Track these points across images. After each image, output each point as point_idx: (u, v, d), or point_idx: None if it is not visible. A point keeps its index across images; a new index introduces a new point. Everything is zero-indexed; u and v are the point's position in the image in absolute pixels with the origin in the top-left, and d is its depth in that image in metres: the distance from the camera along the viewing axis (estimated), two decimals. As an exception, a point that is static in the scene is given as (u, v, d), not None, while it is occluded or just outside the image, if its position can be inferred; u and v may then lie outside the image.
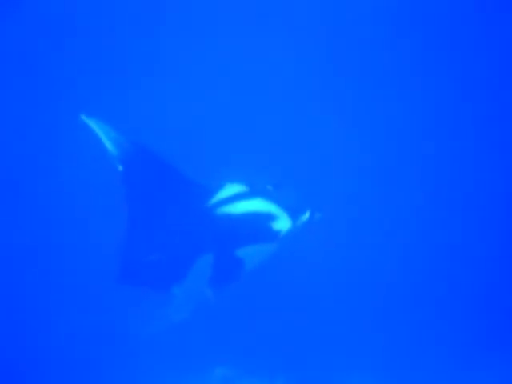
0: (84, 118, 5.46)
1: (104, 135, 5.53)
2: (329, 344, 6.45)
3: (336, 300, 6.57)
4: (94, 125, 5.47)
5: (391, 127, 7.39)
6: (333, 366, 6.38)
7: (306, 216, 5.89)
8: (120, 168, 5.63)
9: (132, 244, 5.61)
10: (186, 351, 6.28)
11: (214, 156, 6.88)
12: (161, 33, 7.38)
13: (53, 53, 7.28)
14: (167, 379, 6.24)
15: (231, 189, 5.97)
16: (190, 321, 5.84)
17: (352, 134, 7.35)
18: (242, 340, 6.43)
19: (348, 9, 7.57)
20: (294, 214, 5.85)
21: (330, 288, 6.58)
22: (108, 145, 5.56)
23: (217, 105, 7.20)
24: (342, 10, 7.57)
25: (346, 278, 6.66)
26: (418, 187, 7.18)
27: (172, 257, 5.62)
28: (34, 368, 6.24)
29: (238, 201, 5.86)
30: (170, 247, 5.67)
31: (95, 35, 7.32)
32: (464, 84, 7.47)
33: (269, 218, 5.76)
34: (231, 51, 7.38)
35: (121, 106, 6.89)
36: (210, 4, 7.41)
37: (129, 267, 5.54)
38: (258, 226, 5.73)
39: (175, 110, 7.06)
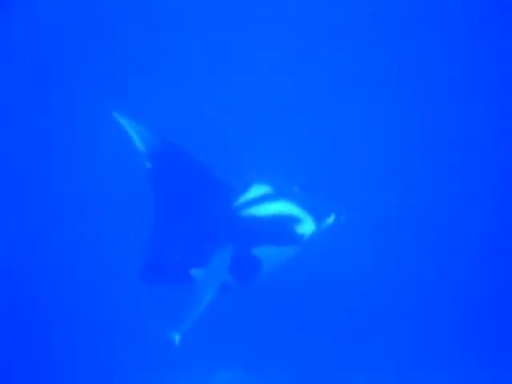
0: (116, 115, 5.59)
1: (134, 132, 5.65)
2: (338, 349, 6.45)
3: (353, 306, 6.56)
4: (125, 122, 5.59)
5: (417, 131, 7.33)
6: (341, 371, 6.39)
7: (331, 219, 5.89)
8: (148, 165, 5.73)
9: (157, 242, 5.69)
10: (190, 353, 6.28)
11: (242, 155, 6.90)
12: (185, 32, 7.44)
13: (79, 53, 7.39)
14: (171, 381, 6.30)
15: (258, 190, 6.01)
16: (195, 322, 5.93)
17: (379, 136, 7.30)
18: (247, 343, 6.44)
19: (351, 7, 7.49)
20: (318, 217, 5.85)
21: (346, 293, 6.57)
22: (138, 142, 5.67)
23: (246, 105, 7.24)
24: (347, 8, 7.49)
25: (365, 285, 6.63)
26: (443, 191, 7.11)
27: (195, 254, 5.67)
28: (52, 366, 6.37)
29: (264, 202, 5.89)
30: (194, 245, 5.73)
31: (121, 36, 7.41)
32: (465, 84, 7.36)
33: (293, 220, 5.78)
34: (257, 52, 7.39)
35: (150, 104, 6.97)
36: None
37: (153, 265, 5.63)
38: (281, 228, 5.75)
39: (204, 110, 7.11)
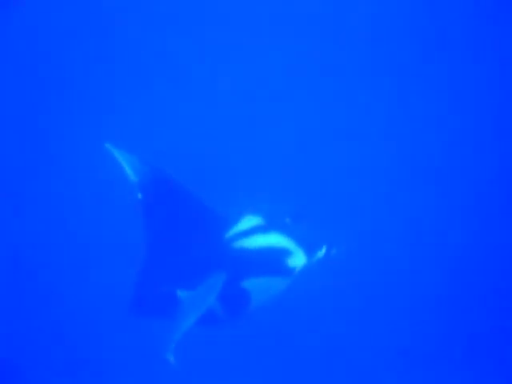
0: (108, 146, 5.58)
1: (126, 162, 5.64)
2: None
3: (345, 342, 6.51)
4: (117, 153, 5.58)
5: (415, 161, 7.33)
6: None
7: (322, 252, 5.89)
8: (139, 196, 5.71)
9: (148, 271, 5.66)
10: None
11: (233, 185, 6.89)
12: (178, 51, 7.47)
13: (72, 73, 7.42)
14: None
15: (249, 221, 5.99)
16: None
17: (374, 165, 7.30)
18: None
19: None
20: (309, 250, 5.84)
21: (338, 329, 6.53)
22: (129, 172, 5.66)
23: (237, 135, 7.23)
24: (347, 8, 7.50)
25: (357, 320, 6.58)
26: (441, 223, 7.08)
27: (185, 278, 5.63)
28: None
29: (255, 234, 5.88)
30: (184, 271, 5.69)
31: (112, 54, 7.44)
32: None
33: (284, 253, 5.76)
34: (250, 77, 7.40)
35: (142, 134, 6.98)
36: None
37: (142, 297, 5.58)
38: (273, 260, 5.73)
39: (196, 140, 7.12)
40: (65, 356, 6.44)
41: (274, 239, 5.86)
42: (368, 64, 7.55)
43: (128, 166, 5.62)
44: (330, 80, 7.48)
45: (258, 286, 5.62)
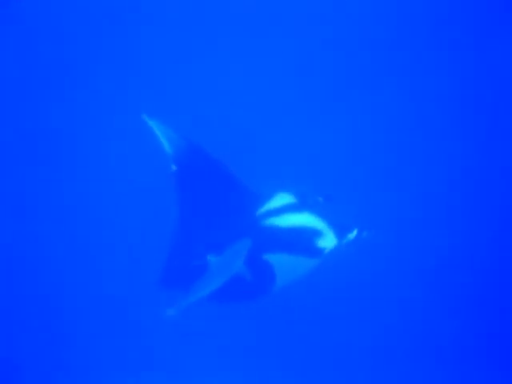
0: (145, 117, 5.63)
1: (162, 135, 5.69)
2: (341, 362, 6.37)
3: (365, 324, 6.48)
4: (153, 124, 5.63)
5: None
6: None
7: (353, 234, 5.83)
8: (174, 167, 5.74)
9: (179, 247, 5.71)
10: (183, 357, 6.33)
11: (268, 162, 6.86)
12: (215, 33, 7.43)
13: (105, 52, 7.41)
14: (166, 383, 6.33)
15: (281, 198, 5.97)
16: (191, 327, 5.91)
17: (408, 148, 7.19)
18: (247, 347, 6.39)
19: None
20: (340, 231, 5.79)
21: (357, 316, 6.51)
22: (165, 144, 5.70)
23: (275, 113, 7.19)
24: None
25: (380, 305, 6.53)
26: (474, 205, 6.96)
27: (214, 242, 5.65)
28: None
29: (287, 212, 5.86)
30: (214, 236, 5.71)
31: (148, 38, 7.42)
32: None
33: (315, 233, 5.73)
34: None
35: (179, 108, 6.97)
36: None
37: (172, 272, 5.64)
38: (302, 240, 5.70)
39: (233, 115, 7.06)
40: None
41: (305, 218, 5.84)
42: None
43: (164, 137, 5.67)
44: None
45: (286, 264, 5.59)
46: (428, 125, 7.28)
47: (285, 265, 5.60)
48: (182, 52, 7.38)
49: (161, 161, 5.70)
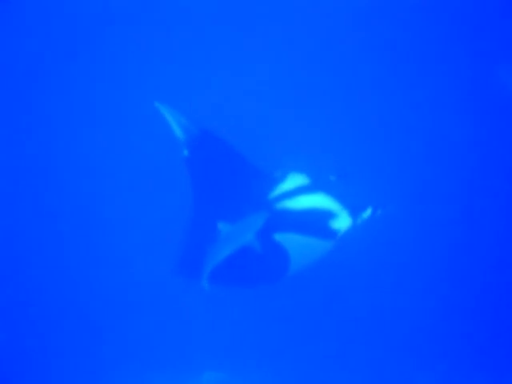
0: (157, 104, 5.66)
1: (174, 120, 5.71)
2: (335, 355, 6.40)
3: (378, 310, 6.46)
4: (165, 111, 5.66)
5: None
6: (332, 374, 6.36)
7: (368, 213, 5.82)
8: (186, 153, 5.75)
9: (193, 234, 5.72)
10: (176, 354, 6.38)
11: (279, 144, 6.81)
12: (224, 24, 7.37)
13: (118, 42, 7.34)
14: (157, 381, 6.39)
15: (294, 180, 5.96)
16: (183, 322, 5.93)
17: (419, 129, 7.12)
18: (235, 344, 6.41)
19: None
20: (354, 211, 5.77)
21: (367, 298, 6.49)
22: (177, 130, 5.73)
23: (282, 94, 7.12)
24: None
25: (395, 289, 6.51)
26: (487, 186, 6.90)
27: (228, 212, 5.70)
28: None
29: (300, 194, 5.85)
30: (228, 207, 5.75)
31: (160, 30, 7.38)
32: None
33: (328, 215, 5.71)
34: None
35: (189, 94, 6.95)
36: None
37: (189, 259, 5.67)
38: (316, 222, 5.69)
39: (242, 100, 7.01)
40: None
41: (318, 200, 5.82)
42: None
43: (176, 123, 5.70)
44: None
45: (299, 247, 5.59)
46: (439, 105, 7.22)
47: (298, 248, 5.59)
48: (194, 41, 7.34)
49: (173, 147, 5.72)
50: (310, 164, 6.13)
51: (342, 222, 5.70)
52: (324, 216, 5.71)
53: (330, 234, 5.63)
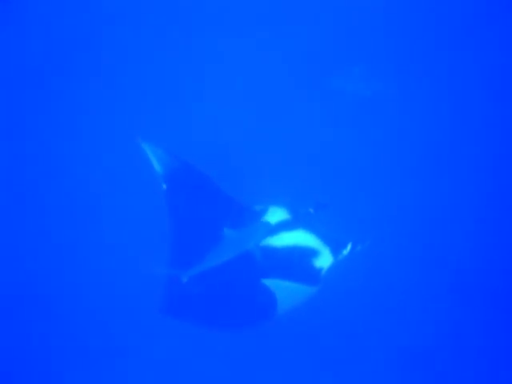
0: (139, 140, 5.66)
1: (152, 155, 5.68)
2: None
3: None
4: (145, 146, 5.66)
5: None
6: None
7: (348, 249, 5.78)
8: (164, 186, 5.67)
9: (173, 268, 5.58)
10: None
11: (256, 174, 6.80)
12: (201, 55, 7.46)
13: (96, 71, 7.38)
14: None
15: (274, 214, 5.86)
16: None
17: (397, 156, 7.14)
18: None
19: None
20: (335, 248, 5.74)
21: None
22: (155, 163, 5.68)
23: (261, 128, 7.13)
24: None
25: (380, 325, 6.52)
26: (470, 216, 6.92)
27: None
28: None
29: (281, 231, 5.78)
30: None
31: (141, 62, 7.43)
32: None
33: (310, 254, 5.67)
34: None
35: (169, 128, 6.97)
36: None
37: (173, 298, 5.50)
38: (299, 264, 5.65)
39: (218, 131, 7.03)
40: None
41: (299, 237, 5.78)
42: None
43: (154, 157, 5.66)
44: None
45: (285, 290, 5.49)
46: (419, 135, 7.24)
47: (283, 291, 5.48)
48: (173, 77, 7.39)
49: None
50: (288, 196, 6.07)
51: (325, 260, 5.66)
52: (306, 255, 5.67)
53: (313, 275, 5.60)
